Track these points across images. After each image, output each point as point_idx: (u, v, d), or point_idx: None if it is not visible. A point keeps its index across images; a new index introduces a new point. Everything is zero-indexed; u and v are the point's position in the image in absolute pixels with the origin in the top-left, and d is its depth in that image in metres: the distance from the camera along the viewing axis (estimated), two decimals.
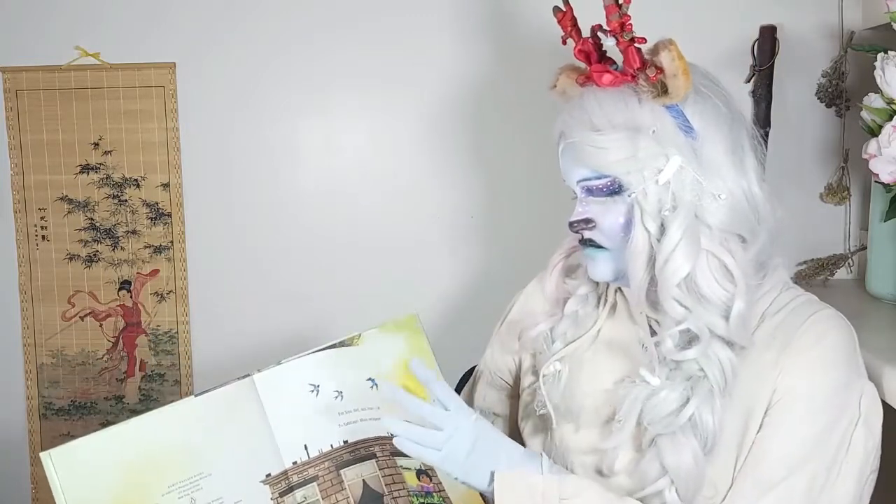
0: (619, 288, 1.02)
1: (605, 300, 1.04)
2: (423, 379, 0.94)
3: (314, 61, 1.77)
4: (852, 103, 1.62)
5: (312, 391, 0.98)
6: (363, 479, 0.97)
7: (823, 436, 0.87)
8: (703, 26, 1.67)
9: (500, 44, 1.72)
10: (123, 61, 1.79)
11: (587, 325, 1.04)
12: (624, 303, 1.02)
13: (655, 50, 0.88)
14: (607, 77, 0.91)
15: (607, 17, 0.89)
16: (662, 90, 0.88)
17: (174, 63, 1.78)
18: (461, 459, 0.90)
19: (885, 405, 1.07)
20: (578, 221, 0.95)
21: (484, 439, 0.91)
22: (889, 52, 1.30)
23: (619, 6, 0.88)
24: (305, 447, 0.96)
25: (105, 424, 1.87)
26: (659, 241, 0.89)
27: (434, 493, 1.01)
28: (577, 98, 0.93)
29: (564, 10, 0.94)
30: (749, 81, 1.66)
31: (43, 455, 0.90)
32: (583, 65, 0.96)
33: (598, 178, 0.92)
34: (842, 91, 1.64)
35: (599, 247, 0.95)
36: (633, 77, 0.89)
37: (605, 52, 0.93)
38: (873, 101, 1.34)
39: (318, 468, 0.96)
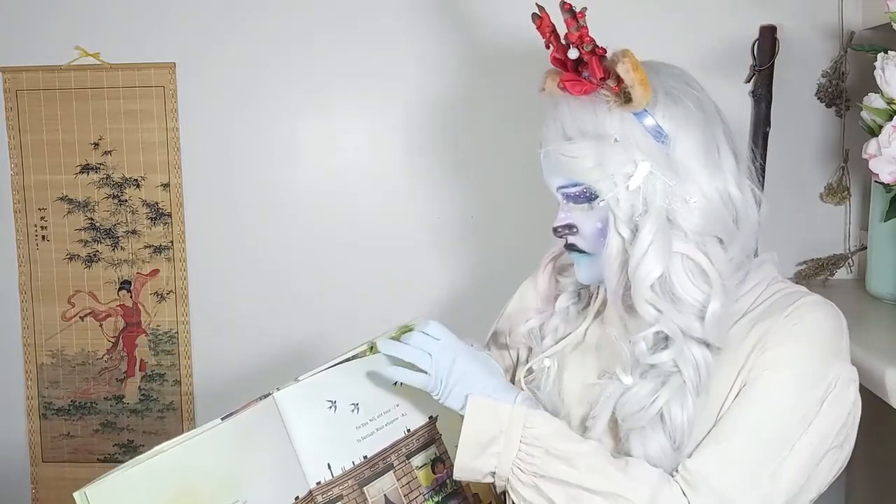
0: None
1: (596, 297, 1.06)
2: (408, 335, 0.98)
3: (314, 61, 1.78)
4: (852, 103, 1.63)
5: (330, 407, 0.98)
6: (384, 495, 0.98)
7: (785, 407, 0.87)
8: (703, 26, 1.67)
9: (500, 44, 1.72)
10: (123, 61, 1.79)
11: (578, 321, 1.06)
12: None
13: (613, 61, 0.88)
14: (577, 86, 0.91)
15: (567, 30, 0.89)
16: (626, 98, 0.88)
17: (174, 63, 1.78)
18: (442, 381, 0.94)
19: (885, 405, 1.08)
20: (561, 227, 0.96)
21: (466, 365, 0.95)
22: (889, 52, 1.30)
23: (577, 19, 0.88)
24: (329, 466, 0.96)
25: (105, 424, 1.88)
26: (632, 244, 0.90)
27: (447, 481, 1.03)
28: (552, 107, 0.94)
29: (541, 16, 0.94)
30: (749, 81, 1.66)
31: (77, 494, 0.84)
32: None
33: (574, 185, 0.93)
34: (842, 91, 1.64)
35: (582, 251, 0.96)
36: (597, 86, 0.90)
37: (582, 57, 0.93)
38: (873, 101, 1.34)
39: (342, 487, 0.96)
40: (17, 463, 1.90)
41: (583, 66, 0.92)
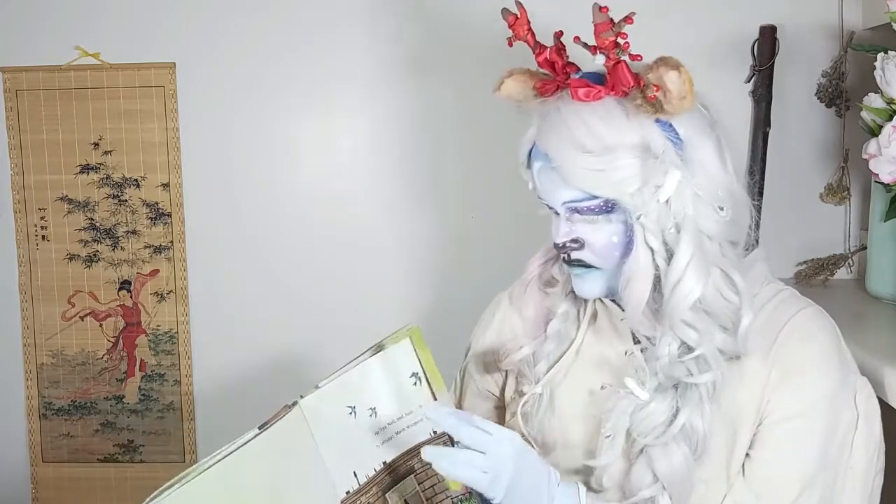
0: (601, 299, 0.99)
1: (585, 310, 1.02)
2: (447, 418, 0.86)
3: (314, 61, 1.78)
4: (852, 103, 1.62)
5: (350, 413, 0.95)
6: (405, 500, 0.96)
7: (826, 443, 0.87)
8: (703, 26, 1.67)
9: (501, 44, 1.72)
10: (123, 61, 1.79)
11: (569, 339, 1.02)
12: (605, 311, 0.99)
13: (656, 67, 0.83)
14: (588, 91, 0.86)
15: (597, 34, 0.84)
16: (659, 108, 0.84)
17: (174, 63, 1.78)
18: (504, 487, 0.83)
19: (886, 405, 1.08)
20: (565, 243, 0.91)
21: (526, 468, 0.85)
22: (889, 52, 1.30)
23: (614, 23, 0.83)
24: (355, 474, 0.94)
25: (105, 424, 1.88)
26: (665, 260, 0.86)
27: None
28: (552, 113, 0.88)
29: (518, 14, 0.90)
30: (749, 81, 1.66)
31: None
32: (534, 67, 0.93)
33: (591, 199, 0.87)
34: (842, 91, 1.64)
35: (588, 266, 0.92)
36: (622, 92, 0.85)
37: (569, 58, 0.89)
38: (873, 101, 1.34)
39: (368, 495, 0.95)
40: (17, 463, 1.90)
41: (570, 66, 0.88)
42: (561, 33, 0.90)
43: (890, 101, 1.31)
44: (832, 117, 1.67)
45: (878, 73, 1.32)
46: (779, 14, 1.64)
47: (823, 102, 1.66)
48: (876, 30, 1.54)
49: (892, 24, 1.29)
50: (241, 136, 1.80)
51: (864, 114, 1.36)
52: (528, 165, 0.95)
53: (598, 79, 0.88)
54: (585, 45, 0.87)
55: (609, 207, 0.87)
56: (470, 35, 1.73)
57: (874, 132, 1.33)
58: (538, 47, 0.90)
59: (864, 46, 1.48)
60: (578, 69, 0.90)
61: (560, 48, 0.89)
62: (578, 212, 0.89)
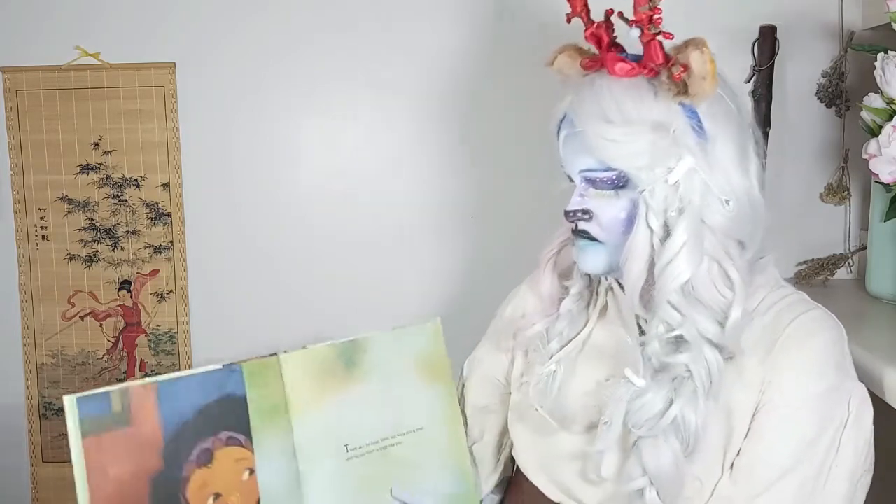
0: (611, 288, 1.01)
1: (597, 300, 1.03)
2: None
3: (314, 61, 1.78)
4: (852, 103, 1.63)
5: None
6: None
7: (813, 440, 0.87)
8: (703, 26, 1.66)
9: (501, 43, 1.72)
10: (123, 61, 1.79)
11: (581, 323, 1.04)
12: (615, 303, 1.01)
13: (684, 47, 0.85)
14: (623, 66, 0.88)
15: (635, 8, 0.87)
16: (683, 89, 0.86)
17: (174, 63, 1.78)
18: None
19: (886, 405, 1.08)
20: (576, 211, 0.93)
21: None
22: (889, 52, 1.30)
23: None
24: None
25: None
26: (662, 241, 0.87)
27: None
28: (586, 85, 0.91)
29: None
30: (749, 81, 1.66)
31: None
32: (586, 46, 0.94)
33: (605, 170, 0.89)
34: (842, 91, 1.64)
35: (593, 239, 0.93)
36: (653, 71, 0.87)
37: (616, 37, 0.91)
38: (873, 101, 1.34)
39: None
40: (17, 463, 1.90)
41: (615, 46, 0.90)
42: (611, 11, 0.92)
43: (890, 101, 1.31)
44: (832, 117, 1.67)
45: (878, 73, 1.32)
46: (779, 14, 1.64)
47: (823, 102, 1.66)
48: (876, 30, 1.54)
49: (892, 24, 1.29)
50: (241, 136, 1.80)
51: (864, 114, 1.36)
52: (557, 135, 0.97)
53: (637, 59, 0.90)
54: (625, 19, 0.89)
55: (620, 182, 0.89)
56: (471, 34, 1.73)
57: (874, 132, 1.33)
58: (590, 23, 0.92)
59: (864, 46, 1.48)
60: (623, 49, 0.92)
61: (609, 25, 0.92)
62: (593, 183, 0.91)
